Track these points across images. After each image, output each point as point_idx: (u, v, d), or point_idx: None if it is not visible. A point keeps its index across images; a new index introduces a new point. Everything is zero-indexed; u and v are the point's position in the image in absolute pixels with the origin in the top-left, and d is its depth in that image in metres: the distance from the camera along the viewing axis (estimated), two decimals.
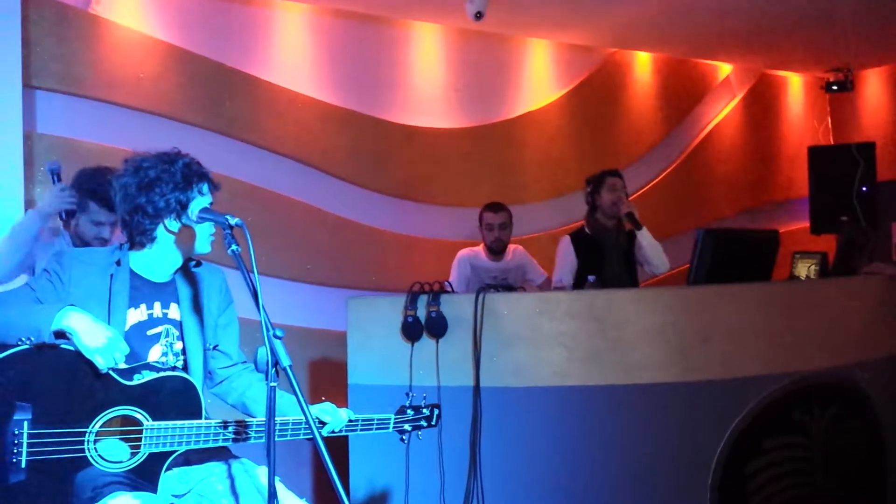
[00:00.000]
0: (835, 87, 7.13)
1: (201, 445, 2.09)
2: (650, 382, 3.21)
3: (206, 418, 2.11)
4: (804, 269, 4.32)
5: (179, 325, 2.26)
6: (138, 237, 2.20)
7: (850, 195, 6.03)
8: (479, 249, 4.78)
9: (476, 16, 5.10)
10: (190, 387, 2.11)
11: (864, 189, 6.05)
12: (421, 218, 5.52)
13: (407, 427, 2.45)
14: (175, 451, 2.06)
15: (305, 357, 4.84)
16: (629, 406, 3.21)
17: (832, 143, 7.41)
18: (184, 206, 2.18)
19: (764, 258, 3.82)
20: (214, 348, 2.34)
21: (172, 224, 2.19)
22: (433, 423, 2.51)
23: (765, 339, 3.39)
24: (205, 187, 2.24)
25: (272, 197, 4.94)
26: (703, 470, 3.23)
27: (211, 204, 2.25)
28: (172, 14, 4.69)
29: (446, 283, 3.40)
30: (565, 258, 4.37)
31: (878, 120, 7.32)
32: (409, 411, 2.46)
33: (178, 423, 2.05)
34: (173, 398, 2.07)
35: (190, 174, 2.20)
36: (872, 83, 7.39)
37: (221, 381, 2.40)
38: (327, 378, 4.63)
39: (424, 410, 2.49)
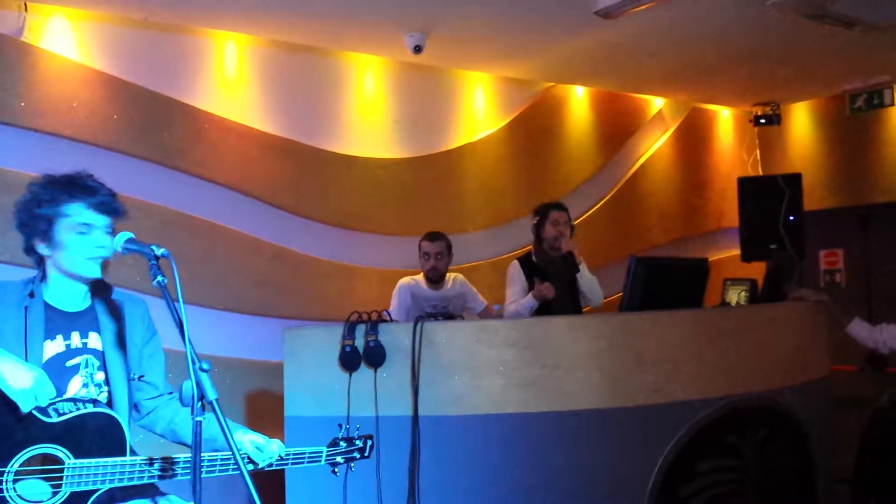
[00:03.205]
0: (762, 121, 7.40)
1: (125, 483, 2.02)
2: (586, 409, 3.24)
3: (130, 454, 2.05)
4: (734, 295, 4.44)
5: (101, 356, 2.19)
6: (31, 258, 2.17)
7: (778, 224, 6.23)
8: (420, 278, 4.79)
9: (415, 49, 5.17)
10: (114, 423, 2.05)
11: (791, 218, 6.25)
12: (361, 247, 5.52)
13: (339, 459, 2.41)
14: (98, 490, 2.00)
15: (242, 389, 4.77)
16: (566, 432, 3.23)
17: (761, 174, 7.65)
18: (51, 223, 2.09)
19: (695, 285, 3.92)
20: (140, 378, 2.28)
21: (42, 246, 2.12)
22: (366, 454, 2.48)
23: (696, 365, 3.46)
24: (73, 207, 2.11)
25: (209, 227, 4.89)
26: (639, 494, 3.26)
27: (114, 228, 2.15)
28: (107, 43, 4.64)
29: (385, 312, 3.39)
30: (517, 281, 4.48)
31: (805, 152, 7.59)
32: (341, 443, 2.42)
33: (101, 460, 1.99)
34: (96, 435, 2.01)
35: (58, 192, 2.10)
36: (799, 116, 7.68)
37: (149, 413, 2.34)
38: (265, 410, 4.56)
39: (357, 442, 2.45)
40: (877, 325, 3.97)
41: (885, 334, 3.87)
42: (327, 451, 2.38)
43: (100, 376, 2.19)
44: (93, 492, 1.99)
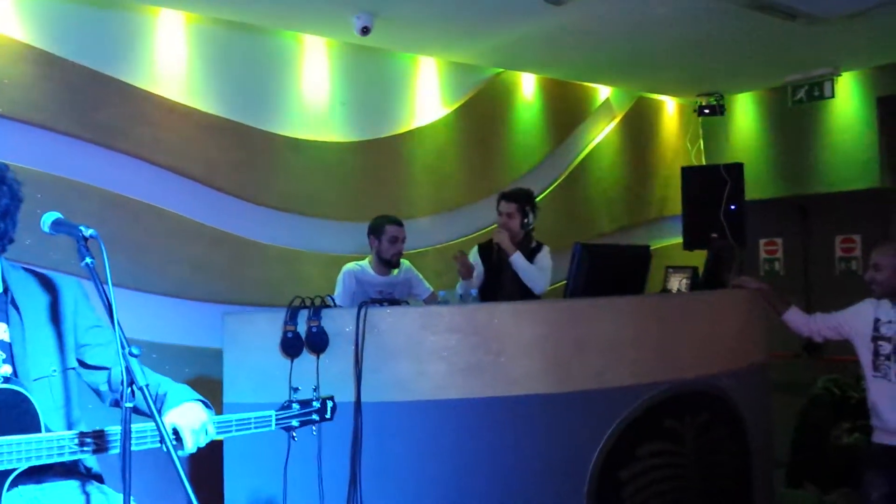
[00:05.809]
0: (706, 111, 7.51)
1: (45, 461, 1.91)
2: (528, 394, 3.26)
3: (46, 431, 1.94)
4: (676, 282, 4.50)
5: (8, 347, 2.04)
6: None
7: (719, 213, 6.34)
8: (366, 263, 4.74)
9: (363, 31, 5.10)
10: (22, 399, 1.93)
11: (732, 207, 6.37)
12: (306, 232, 5.44)
13: (295, 423, 2.25)
14: (15, 469, 1.89)
15: (182, 375, 4.65)
16: (508, 418, 3.24)
17: (704, 163, 7.77)
18: None
19: (637, 272, 3.96)
20: (84, 366, 2.16)
21: None
22: (328, 416, 2.32)
23: (638, 350, 3.51)
24: None
25: (148, 209, 4.76)
26: (580, 477, 3.30)
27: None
28: (43, 18, 4.46)
29: (328, 297, 3.35)
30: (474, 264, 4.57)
31: (747, 142, 7.73)
32: (295, 406, 2.27)
33: (16, 437, 1.87)
34: (6, 412, 1.90)
35: None
36: (742, 107, 7.81)
37: (113, 393, 2.21)
38: (204, 397, 4.48)
39: (315, 403, 2.29)
40: (812, 314, 4.06)
41: (819, 324, 3.96)
42: (277, 415, 2.23)
43: (6, 369, 2.03)
44: (9, 472, 1.88)
